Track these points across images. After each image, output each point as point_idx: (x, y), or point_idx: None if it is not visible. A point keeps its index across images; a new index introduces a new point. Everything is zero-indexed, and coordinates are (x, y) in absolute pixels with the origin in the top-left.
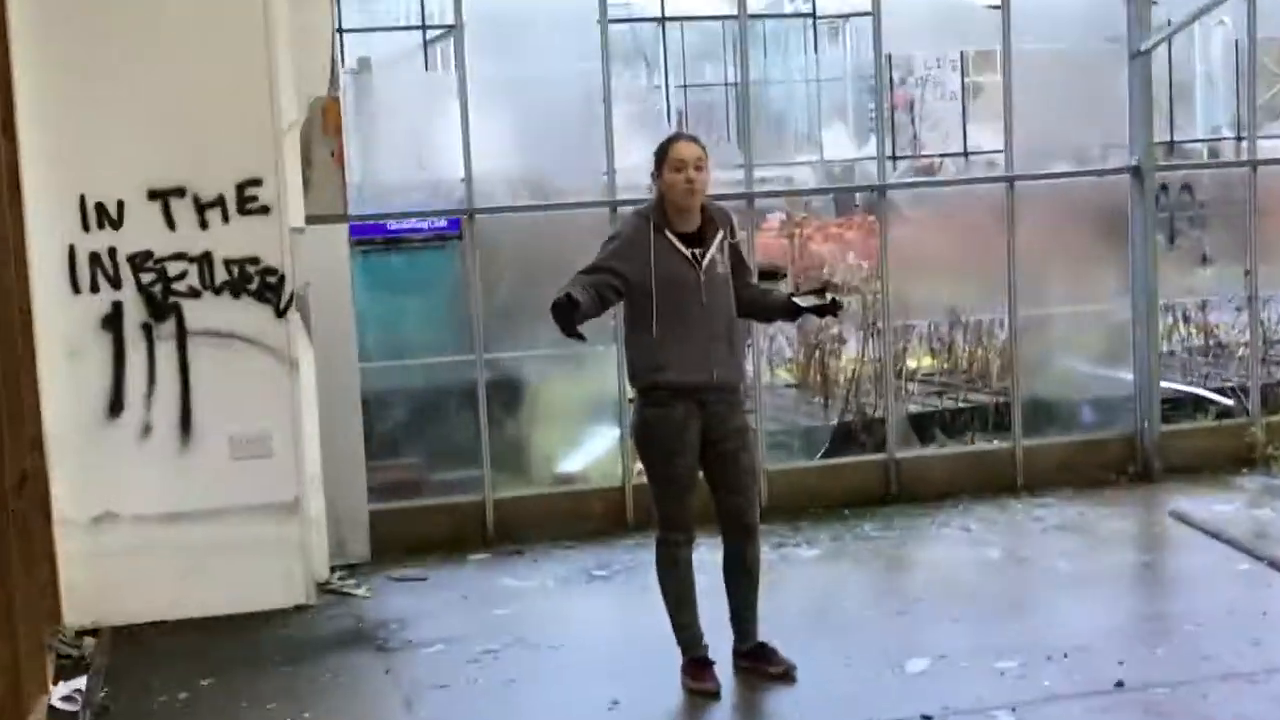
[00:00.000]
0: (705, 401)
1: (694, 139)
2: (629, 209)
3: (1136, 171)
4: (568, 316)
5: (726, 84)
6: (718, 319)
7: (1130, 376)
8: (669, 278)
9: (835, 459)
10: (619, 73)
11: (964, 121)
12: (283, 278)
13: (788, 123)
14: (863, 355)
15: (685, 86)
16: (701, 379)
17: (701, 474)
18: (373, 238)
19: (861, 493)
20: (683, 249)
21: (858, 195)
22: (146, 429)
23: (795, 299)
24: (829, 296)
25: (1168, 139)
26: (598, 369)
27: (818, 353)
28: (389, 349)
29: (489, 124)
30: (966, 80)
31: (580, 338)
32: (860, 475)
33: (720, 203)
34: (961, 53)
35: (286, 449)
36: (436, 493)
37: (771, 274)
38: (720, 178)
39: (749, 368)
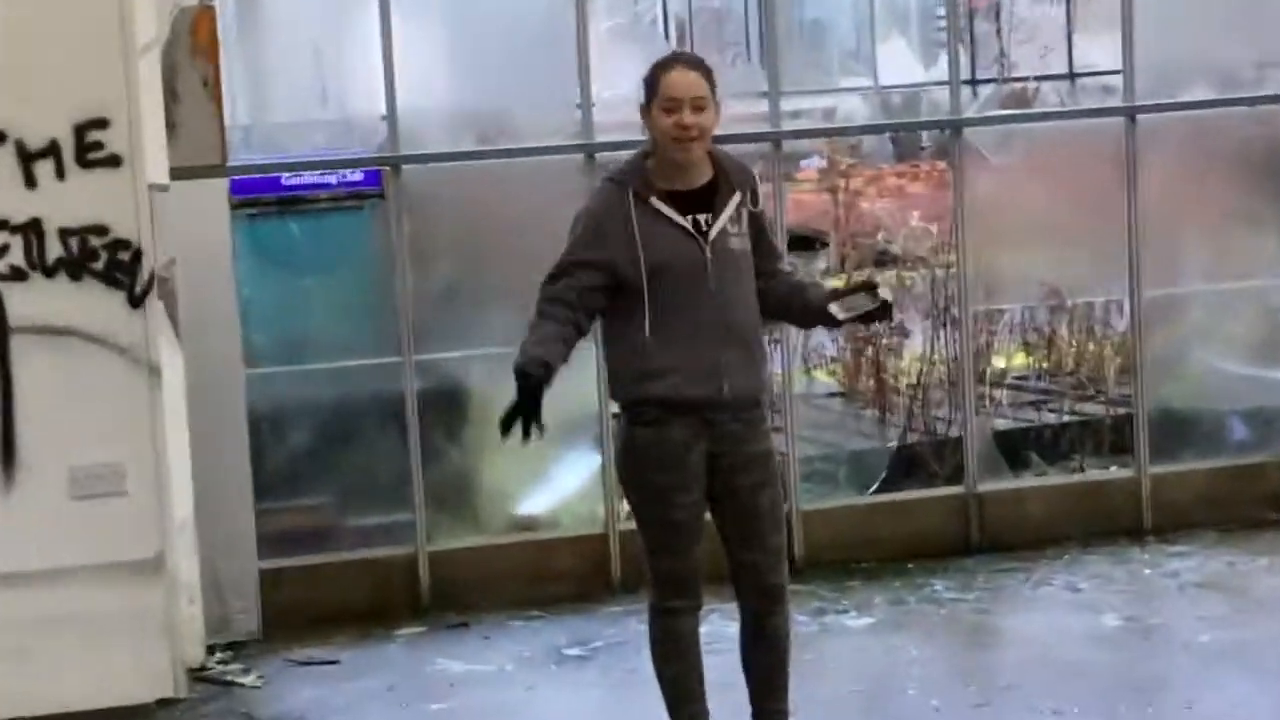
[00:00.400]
0: (713, 421)
1: (695, 63)
2: (612, 165)
3: None
4: (538, 392)
5: None
6: (732, 310)
7: None
8: (663, 260)
9: (895, 494)
10: None
11: (1069, 32)
12: (139, 253)
13: (828, 35)
14: (931, 353)
15: None
16: (708, 392)
17: (711, 517)
18: (262, 196)
19: (931, 540)
20: (678, 218)
21: (924, 134)
22: None
23: (833, 307)
24: (878, 297)
25: None
26: (571, 375)
27: (871, 349)
28: (286, 349)
29: (419, 40)
30: None
31: (540, 429)
32: (929, 516)
33: (740, 155)
34: None
35: (146, 487)
36: (352, 544)
37: (807, 242)
38: (736, 112)
39: (777, 370)
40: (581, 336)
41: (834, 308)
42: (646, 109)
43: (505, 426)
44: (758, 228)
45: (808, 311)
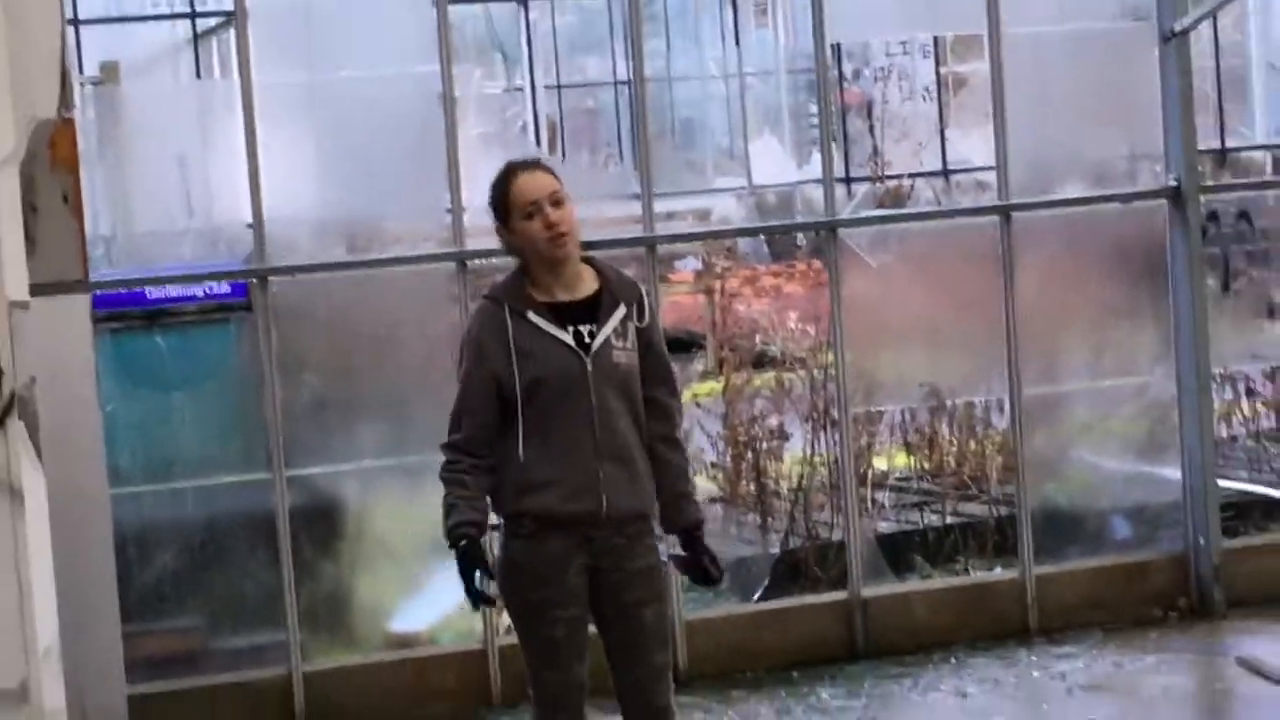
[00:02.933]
0: (594, 537)
1: (535, 164)
2: (492, 283)
3: (1176, 194)
4: (476, 556)
5: (615, 83)
6: (614, 425)
7: (1177, 475)
8: (540, 374)
9: (779, 601)
10: (466, 73)
11: (941, 128)
12: None
13: (701, 135)
14: (812, 456)
15: (559, 88)
16: (586, 508)
17: (597, 634)
18: (127, 311)
19: (816, 647)
20: (557, 331)
21: (799, 235)
22: None
23: (672, 552)
24: (704, 560)
25: (1217, 146)
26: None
27: (750, 454)
28: (152, 468)
29: (286, 147)
30: (943, 71)
31: (489, 602)
32: (814, 622)
33: (614, 259)
34: (935, 37)
35: (8, 614)
36: (223, 666)
37: (684, 344)
38: (610, 215)
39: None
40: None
41: (672, 552)
42: (504, 226)
43: (473, 602)
44: (646, 343)
45: (659, 476)
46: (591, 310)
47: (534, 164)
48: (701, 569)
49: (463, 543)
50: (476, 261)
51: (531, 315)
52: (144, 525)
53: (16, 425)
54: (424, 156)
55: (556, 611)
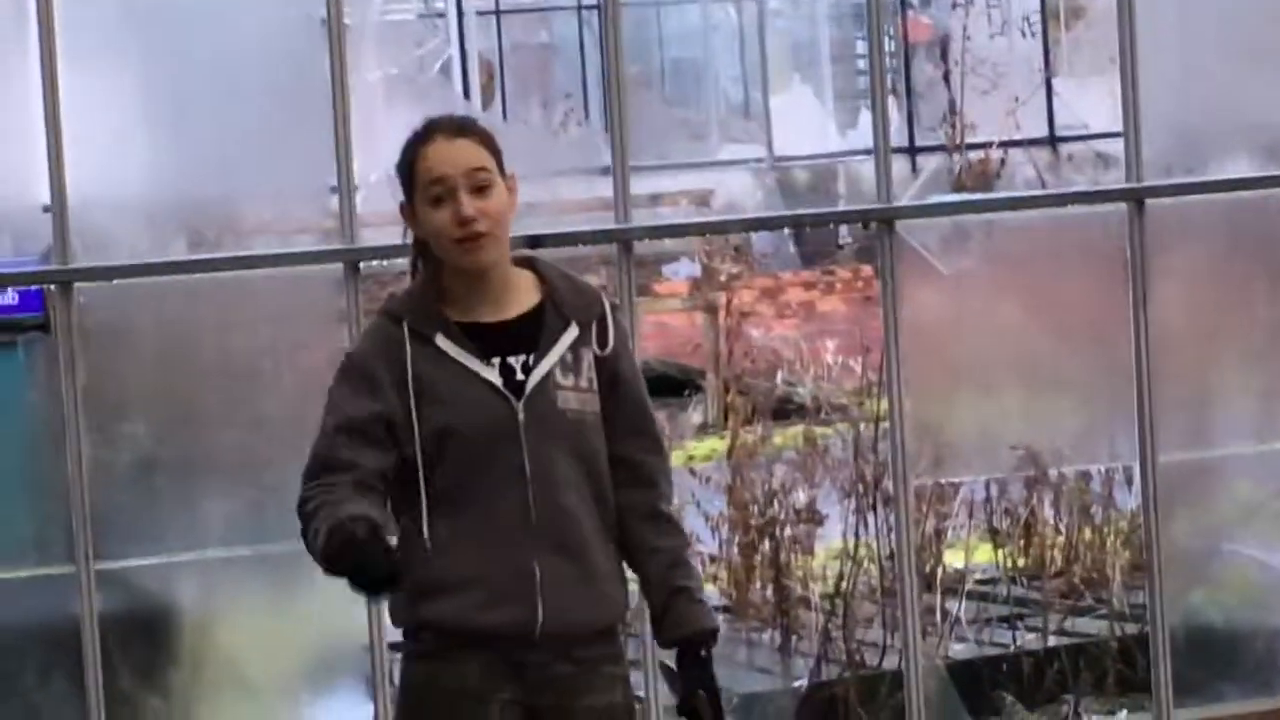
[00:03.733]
0: (526, 663)
1: (462, 126)
2: (393, 291)
3: None
4: (375, 554)
5: (579, 6)
6: (557, 501)
7: None
8: (449, 424)
9: None
10: None
11: (1047, 78)
12: None
13: (702, 85)
14: (856, 548)
15: (496, 13)
16: (512, 619)
17: None
18: None
19: None
20: (474, 364)
21: (842, 229)
22: None
23: (664, 660)
24: (697, 696)
25: None
26: (328, 583)
27: (767, 544)
28: None
29: (100, 102)
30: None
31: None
32: None
33: (574, 263)
34: None
35: None
36: None
37: (674, 386)
38: (569, 198)
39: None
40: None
41: (665, 661)
42: (409, 206)
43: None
44: (610, 379)
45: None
46: (527, 334)
47: (458, 127)
48: (691, 708)
49: (357, 535)
50: (374, 264)
51: (441, 340)
52: None
53: None
54: (300, 111)
55: None
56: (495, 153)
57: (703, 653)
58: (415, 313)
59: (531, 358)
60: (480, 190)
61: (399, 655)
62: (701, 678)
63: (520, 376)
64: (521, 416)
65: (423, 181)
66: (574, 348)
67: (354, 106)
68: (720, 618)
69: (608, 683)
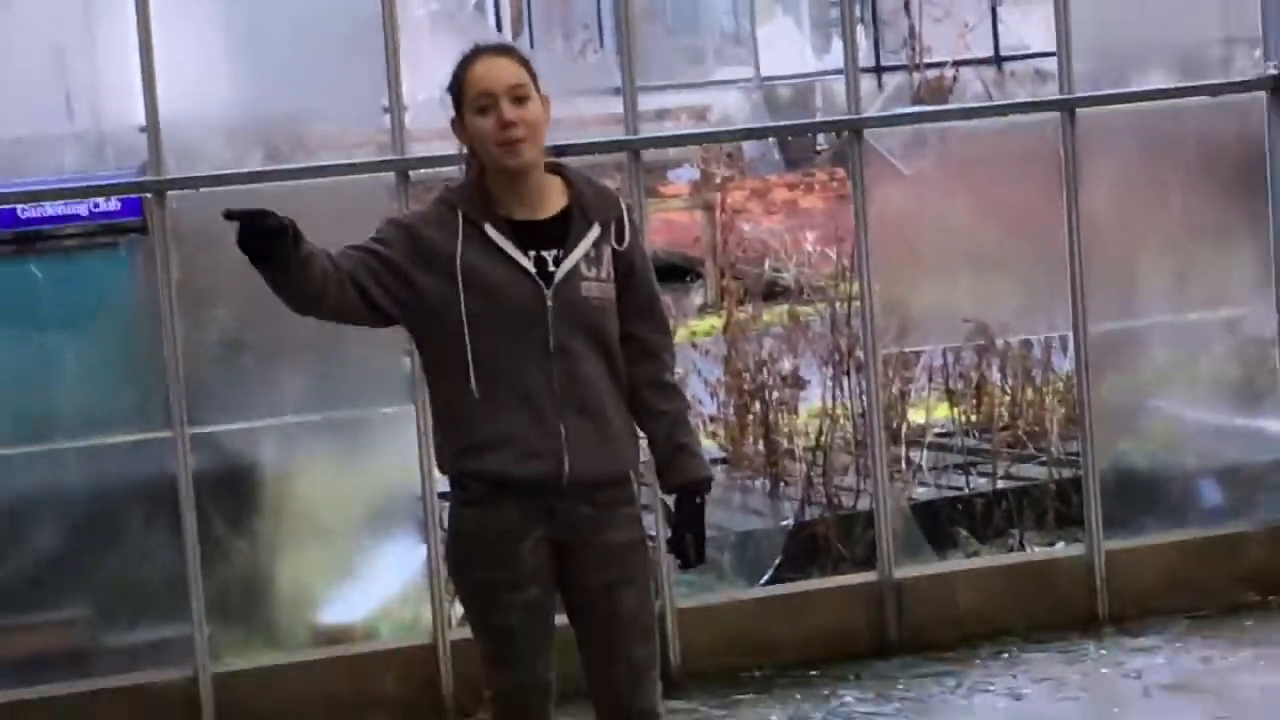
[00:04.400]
0: (556, 507)
1: (503, 49)
2: (443, 186)
3: (1278, 85)
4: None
5: None
6: (578, 372)
7: (1279, 427)
8: (490, 304)
9: (793, 584)
10: None
11: (993, 5)
12: None
13: (699, 16)
14: (833, 407)
15: None
16: (542, 471)
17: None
18: None
19: (839, 639)
20: (516, 253)
21: (819, 137)
22: None
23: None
24: (684, 535)
25: None
26: (387, 443)
27: (758, 405)
28: (26, 425)
29: (188, 34)
30: None
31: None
32: (836, 610)
33: (591, 167)
34: None
35: None
36: (115, 667)
37: (678, 272)
38: (587, 114)
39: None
40: (335, 290)
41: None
42: (458, 119)
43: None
44: (626, 270)
45: (646, 430)
46: (558, 232)
47: (502, 49)
48: (678, 544)
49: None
50: (422, 172)
51: (489, 229)
52: (15, 496)
53: None
54: (356, 42)
55: (509, 594)
56: (532, 73)
57: (698, 499)
58: (468, 203)
59: (560, 252)
60: (519, 102)
61: (447, 503)
62: (691, 522)
63: (551, 268)
64: (550, 301)
65: (470, 94)
66: (596, 244)
67: (402, 38)
68: (718, 468)
69: (624, 522)
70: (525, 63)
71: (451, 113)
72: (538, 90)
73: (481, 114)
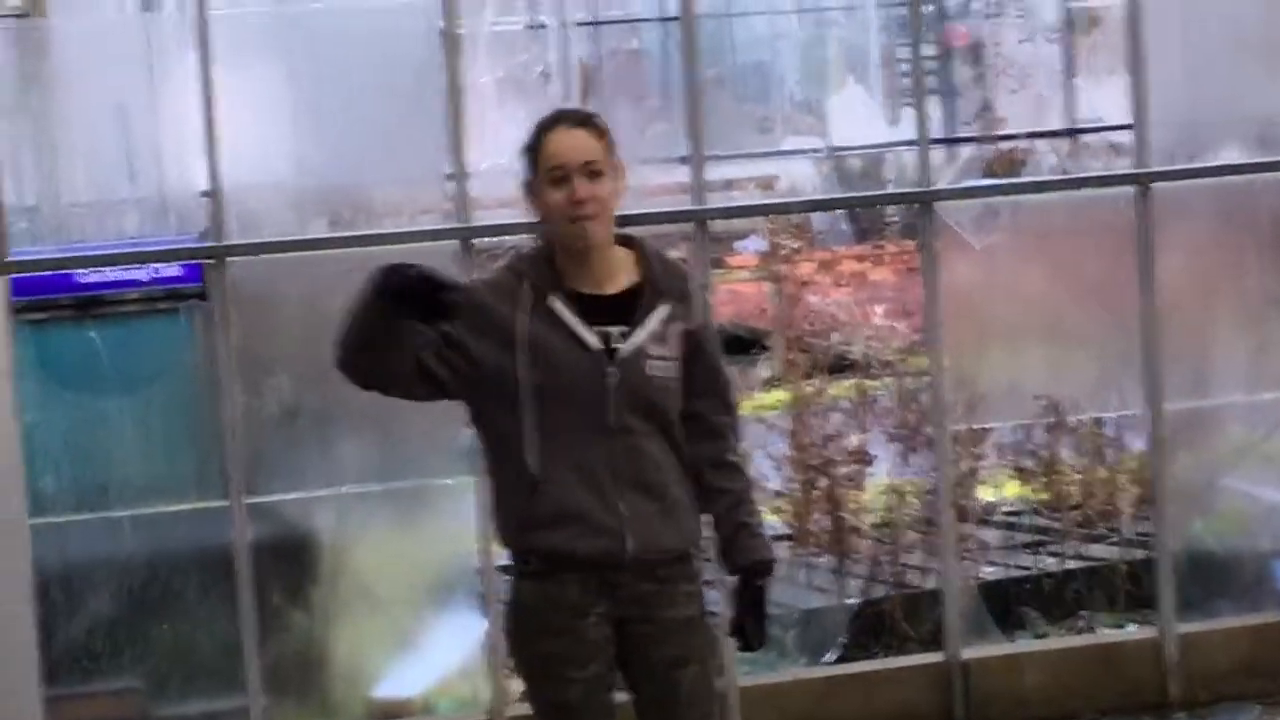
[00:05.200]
0: (616, 582)
1: (582, 119)
2: (510, 254)
3: None
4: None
5: (663, 19)
6: (638, 449)
7: None
8: (553, 373)
9: (858, 664)
10: (475, 4)
11: (1068, 77)
12: None
13: (768, 85)
14: (900, 484)
15: (593, 25)
16: (604, 547)
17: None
18: (53, 298)
19: (916, 716)
20: (581, 329)
21: (888, 210)
22: None
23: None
24: (745, 617)
25: None
26: (445, 515)
27: (824, 481)
28: (82, 492)
29: (250, 99)
30: (1072, 5)
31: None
32: (902, 690)
33: (658, 238)
34: None
35: None
36: None
37: (743, 344)
38: (654, 183)
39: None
40: (402, 365)
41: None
42: (531, 186)
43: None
44: (694, 349)
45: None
46: (626, 308)
47: (580, 119)
48: (740, 626)
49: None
50: (486, 240)
51: (556, 303)
52: (71, 563)
53: None
54: (421, 108)
55: (571, 670)
56: (609, 144)
57: (760, 581)
58: (536, 274)
59: (627, 329)
60: (593, 177)
61: (507, 577)
62: (753, 603)
63: (616, 344)
64: (614, 379)
65: (545, 165)
66: (664, 322)
67: (468, 104)
68: (783, 545)
69: (685, 598)
70: (604, 134)
71: (525, 176)
72: (613, 159)
73: (554, 186)
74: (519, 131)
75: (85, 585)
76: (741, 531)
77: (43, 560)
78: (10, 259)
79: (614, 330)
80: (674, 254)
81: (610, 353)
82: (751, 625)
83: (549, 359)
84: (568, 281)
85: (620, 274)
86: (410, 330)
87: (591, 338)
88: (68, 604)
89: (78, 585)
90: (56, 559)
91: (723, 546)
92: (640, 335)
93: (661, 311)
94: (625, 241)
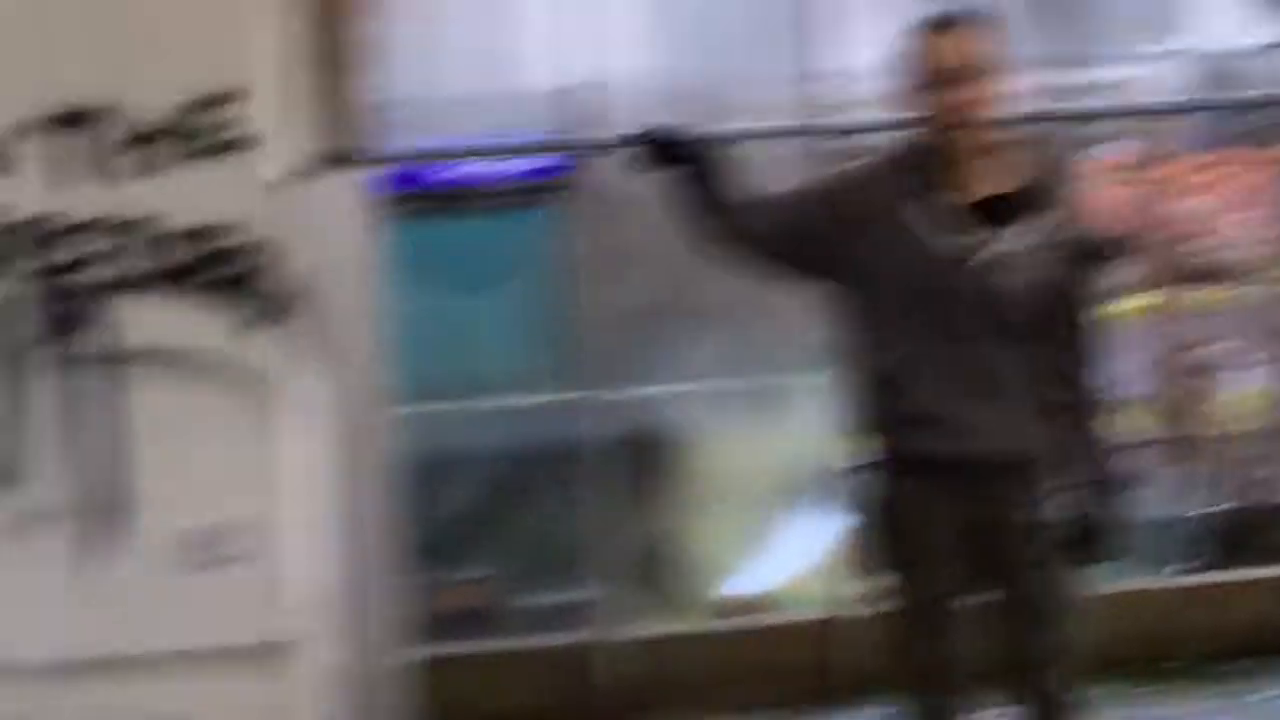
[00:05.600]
0: (970, 487)
1: (967, 19)
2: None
3: None
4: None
5: None
6: (998, 355)
7: None
8: (920, 274)
9: (1213, 574)
10: None
11: None
12: (267, 260)
13: None
14: (1270, 390)
15: None
16: (961, 449)
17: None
18: (418, 191)
19: (1262, 632)
20: (950, 228)
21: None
22: (33, 517)
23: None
24: (1087, 527)
25: None
26: (800, 413)
27: (1188, 388)
28: (445, 383)
29: (623, 5)
30: None
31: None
32: (1259, 602)
33: (1041, 154)
34: None
35: (272, 554)
36: (516, 629)
37: (1104, 251)
38: (1015, 86)
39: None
40: (747, 230)
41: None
42: (911, 86)
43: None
44: (1060, 257)
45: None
46: (996, 211)
47: (957, 22)
48: (1088, 537)
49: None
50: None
51: (926, 203)
52: (432, 453)
53: (290, 326)
54: (779, 7)
55: (924, 570)
56: (994, 45)
57: (1110, 494)
58: (910, 172)
59: (994, 233)
60: (974, 79)
61: (860, 476)
62: (1103, 515)
63: (985, 247)
64: (979, 282)
65: (926, 67)
66: (1035, 230)
67: (828, 3)
68: (1144, 452)
69: (1034, 506)
70: (986, 34)
71: (905, 76)
72: (996, 60)
73: (933, 89)
74: (881, 26)
75: (444, 474)
76: (1093, 446)
77: (411, 448)
78: (380, 151)
79: (984, 233)
80: (1046, 159)
81: (973, 258)
82: (1099, 537)
83: (917, 259)
84: (940, 183)
85: (996, 178)
86: (715, 183)
87: (956, 241)
88: (428, 493)
89: (437, 474)
90: (416, 448)
91: (1073, 458)
92: (1006, 241)
93: (1032, 218)
94: (1003, 145)
